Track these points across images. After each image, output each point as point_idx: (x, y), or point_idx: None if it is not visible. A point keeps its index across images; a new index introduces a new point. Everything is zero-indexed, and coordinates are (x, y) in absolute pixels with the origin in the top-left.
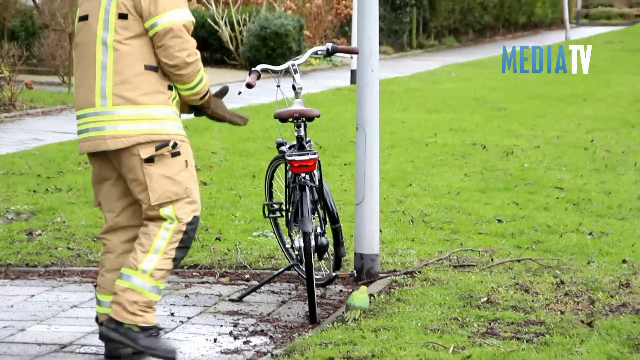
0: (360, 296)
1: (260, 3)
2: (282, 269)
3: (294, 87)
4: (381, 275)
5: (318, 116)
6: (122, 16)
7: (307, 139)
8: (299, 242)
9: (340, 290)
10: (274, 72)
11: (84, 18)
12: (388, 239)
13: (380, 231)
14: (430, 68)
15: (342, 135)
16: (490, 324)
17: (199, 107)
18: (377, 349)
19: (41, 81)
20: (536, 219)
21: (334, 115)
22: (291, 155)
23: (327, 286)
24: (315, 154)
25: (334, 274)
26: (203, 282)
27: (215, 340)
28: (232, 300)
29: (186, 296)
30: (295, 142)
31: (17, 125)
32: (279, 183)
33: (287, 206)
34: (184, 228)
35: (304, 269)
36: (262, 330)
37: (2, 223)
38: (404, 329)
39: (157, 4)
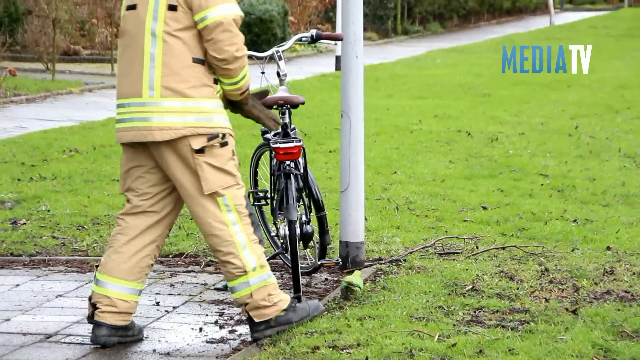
0: (359, 278)
1: None
2: (267, 258)
3: (278, 74)
4: (366, 263)
5: (303, 103)
6: (172, 8)
7: (292, 126)
8: (284, 230)
9: (326, 279)
10: (258, 58)
11: (132, 7)
12: (373, 227)
13: (366, 219)
14: (415, 54)
15: (327, 123)
16: (475, 312)
17: (237, 104)
18: (363, 337)
19: (25, 68)
20: (521, 206)
21: (318, 102)
22: (276, 143)
23: (313, 274)
24: (300, 141)
25: (319, 262)
26: (188, 271)
27: (201, 329)
28: (217, 289)
29: (171, 285)
30: (279, 130)
31: (1, 113)
32: (264, 171)
33: (272, 194)
34: (245, 212)
35: (289, 257)
36: None
37: None
38: (389, 318)
39: None
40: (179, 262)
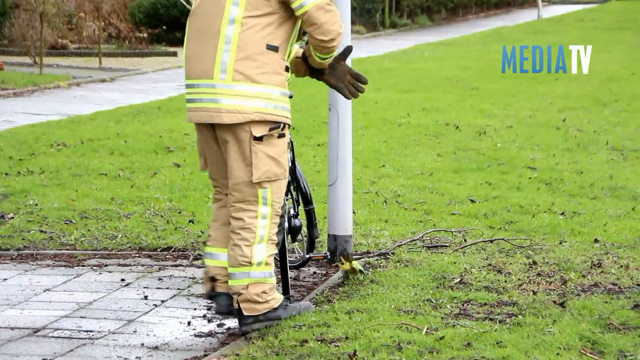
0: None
1: None
2: None
3: None
4: (355, 256)
5: (291, 97)
6: None
7: None
8: None
9: (314, 272)
10: None
11: None
12: (361, 220)
13: (354, 212)
14: (403, 47)
15: (316, 116)
16: (463, 305)
17: (320, 70)
18: (351, 331)
19: (12, 62)
20: (509, 199)
21: (307, 96)
22: None
23: (301, 268)
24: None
25: (307, 255)
26: (177, 265)
27: (189, 323)
28: None
29: (160, 279)
30: None
31: None
32: None
33: None
34: (279, 212)
35: (277, 251)
36: None
37: None
38: (377, 311)
39: None
40: (167, 256)
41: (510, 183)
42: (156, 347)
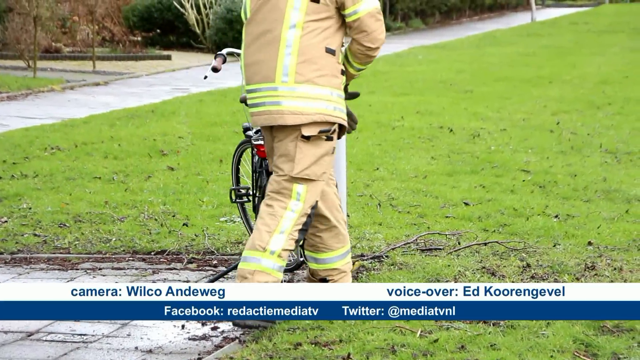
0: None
1: None
2: None
3: None
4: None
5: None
6: (315, 0)
7: None
8: None
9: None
10: (239, 55)
11: None
12: (355, 223)
13: (348, 215)
14: (397, 50)
15: None
16: None
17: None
18: (345, 334)
19: (6, 65)
20: (503, 201)
21: None
22: (257, 140)
23: (295, 271)
24: None
25: (301, 259)
26: (171, 269)
27: (183, 326)
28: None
29: (154, 282)
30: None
31: None
32: (246, 168)
33: (254, 191)
34: (309, 211)
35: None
36: None
37: None
38: None
39: None
40: (161, 260)
41: (504, 186)
42: (150, 351)
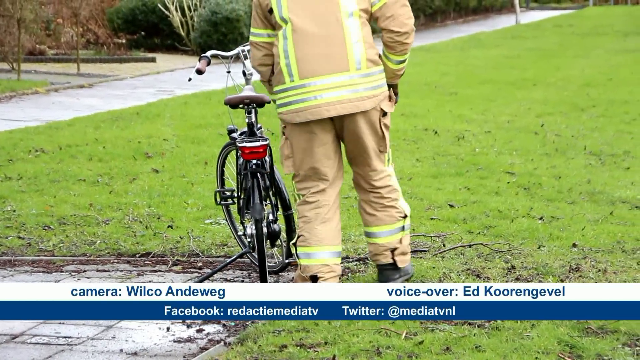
0: None
1: None
2: (234, 257)
3: (244, 73)
4: None
5: (269, 102)
6: None
7: (258, 125)
8: (251, 229)
9: (293, 278)
10: (224, 58)
11: None
12: (341, 225)
13: None
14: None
15: None
16: None
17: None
18: (330, 336)
19: None
20: (487, 203)
21: None
22: (242, 142)
23: (280, 273)
24: (266, 140)
25: (286, 261)
26: (155, 271)
27: (168, 329)
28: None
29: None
30: (246, 129)
31: None
32: (231, 170)
33: (239, 193)
34: (393, 164)
35: (256, 256)
36: None
37: None
38: None
39: None
40: (146, 262)
41: (489, 188)
42: (135, 353)
